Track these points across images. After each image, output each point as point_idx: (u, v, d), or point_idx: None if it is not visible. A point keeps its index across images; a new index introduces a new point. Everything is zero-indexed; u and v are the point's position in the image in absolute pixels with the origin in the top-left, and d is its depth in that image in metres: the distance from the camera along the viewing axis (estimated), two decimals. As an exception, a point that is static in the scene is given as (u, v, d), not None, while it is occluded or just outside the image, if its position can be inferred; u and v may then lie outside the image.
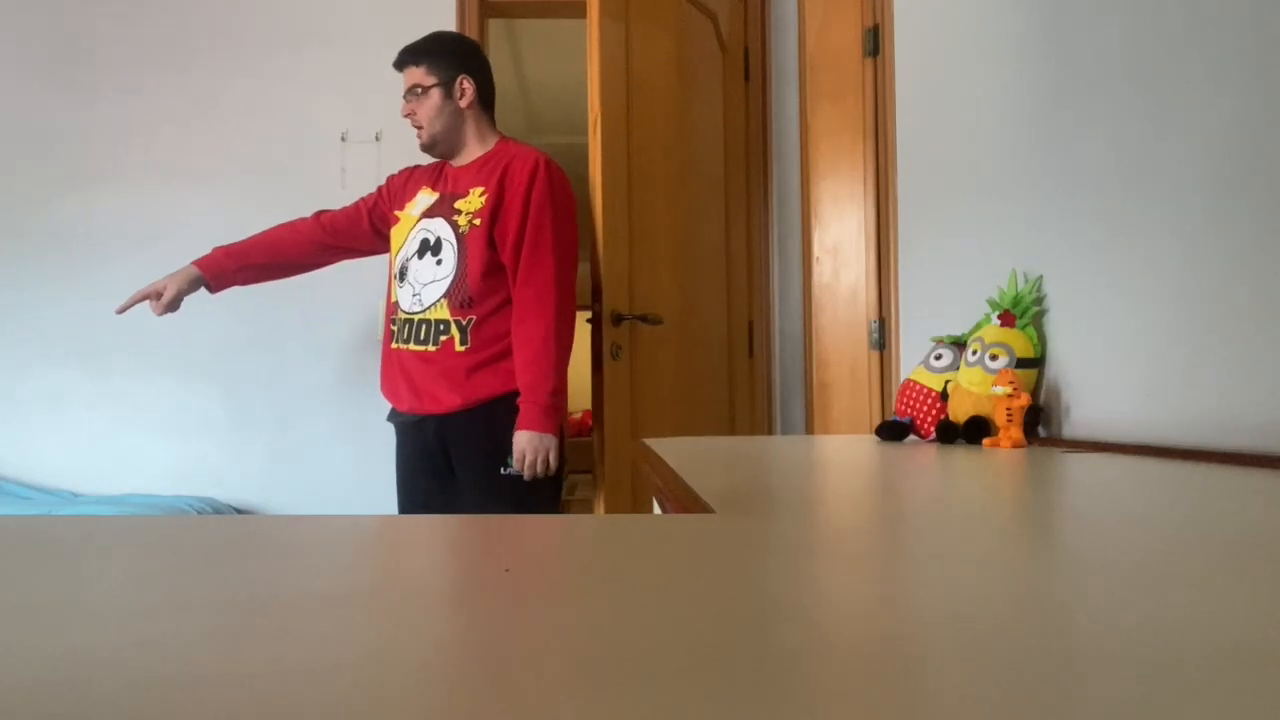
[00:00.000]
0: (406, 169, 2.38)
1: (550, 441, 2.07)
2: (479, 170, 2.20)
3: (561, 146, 5.94)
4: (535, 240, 2.11)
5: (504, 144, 2.24)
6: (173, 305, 2.29)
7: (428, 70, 2.21)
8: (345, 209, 2.39)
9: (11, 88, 3.12)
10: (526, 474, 2.07)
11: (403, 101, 2.24)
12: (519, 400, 2.09)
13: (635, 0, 2.57)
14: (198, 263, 2.32)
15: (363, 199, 2.40)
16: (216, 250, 2.35)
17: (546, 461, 2.08)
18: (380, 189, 2.39)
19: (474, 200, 2.15)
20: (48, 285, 3.08)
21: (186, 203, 3.08)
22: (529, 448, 2.06)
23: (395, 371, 2.22)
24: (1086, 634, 0.29)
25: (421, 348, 2.15)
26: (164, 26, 3.12)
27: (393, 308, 2.24)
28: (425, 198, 2.24)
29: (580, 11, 2.54)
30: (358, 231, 2.36)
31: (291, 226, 2.38)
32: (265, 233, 2.38)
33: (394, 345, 2.22)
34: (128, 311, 2.34)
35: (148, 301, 2.29)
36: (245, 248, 2.35)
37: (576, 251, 2.20)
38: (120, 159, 3.10)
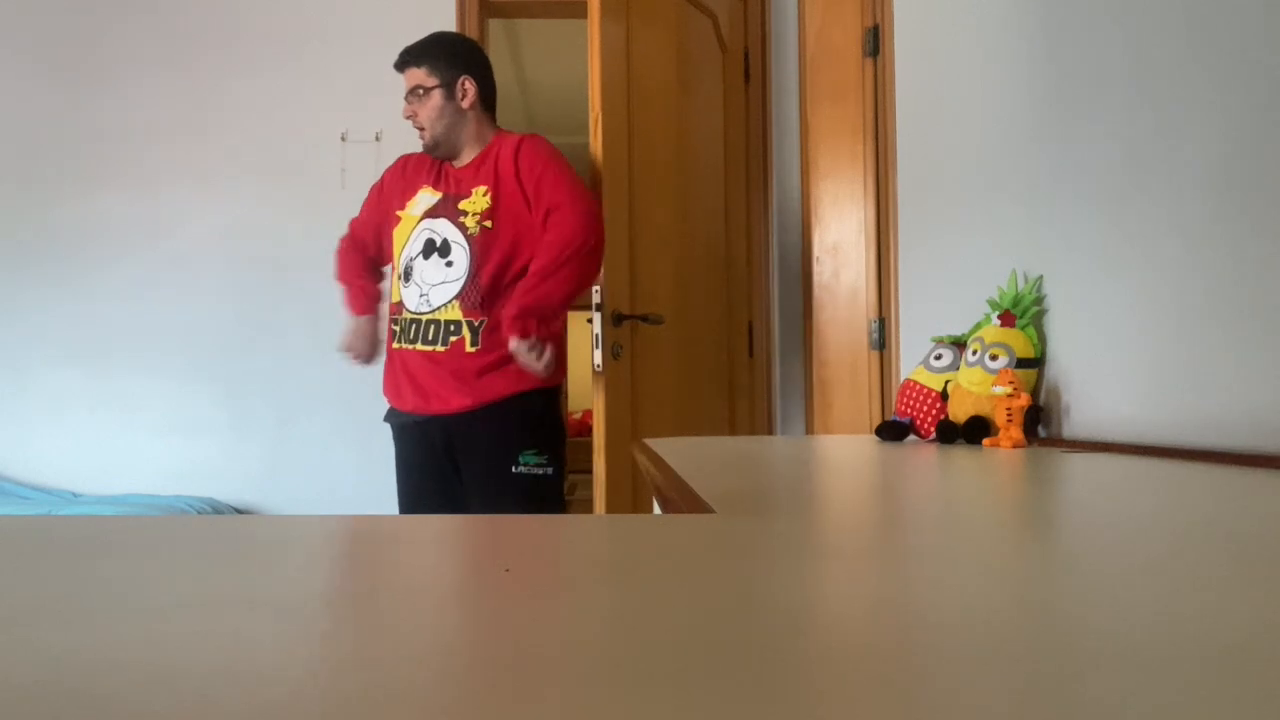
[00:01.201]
0: (400, 160, 2.34)
1: (538, 342, 2.08)
2: (478, 169, 2.20)
3: (562, 146, 5.92)
4: (537, 191, 2.12)
5: (497, 138, 2.24)
6: (376, 355, 2.29)
7: (429, 71, 2.20)
8: (356, 227, 2.36)
9: (12, 88, 3.12)
10: (532, 366, 2.08)
11: (404, 103, 2.23)
12: (509, 314, 2.08)
13: (635, 0, 2.57)
14: (356, 310, 2.29)
15: (357, 222, 2.36)
16: (355, 295, 2.30)
17: (543, 350, 2.09)
18: (377, 187, 2.36)
19: (478, 201, 2.15)
20: (48, 286, 3.08)
21: (186, 203, 3.08)
22: (521, 351, 2.06)
23: (398, 371, 2.21)
24: (1087, 634, 0.29)
25: (430, 348, 2.15)
26: (164, 27, 3.12)
27: (396, 308, 2.23)
28: (427, 197, 2.23)
29: (580, 11, 2.53)
30: (373, 236, 2.34)
31: (348, 251, 2.35)
32: (351, 260, 2.34)
33: (395, 345, 2.21)
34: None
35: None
36: (356, 278, 2.32)
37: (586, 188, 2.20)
38: (120, 159, 3.10)
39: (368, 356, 2.27)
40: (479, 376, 2.12)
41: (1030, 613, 0.32)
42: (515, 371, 2.12)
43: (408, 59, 2.23)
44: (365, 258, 2.34)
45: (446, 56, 2.23)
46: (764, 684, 0.23)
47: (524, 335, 2.06)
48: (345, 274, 2.33)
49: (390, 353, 2.24)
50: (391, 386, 2.24)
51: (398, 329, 2.21)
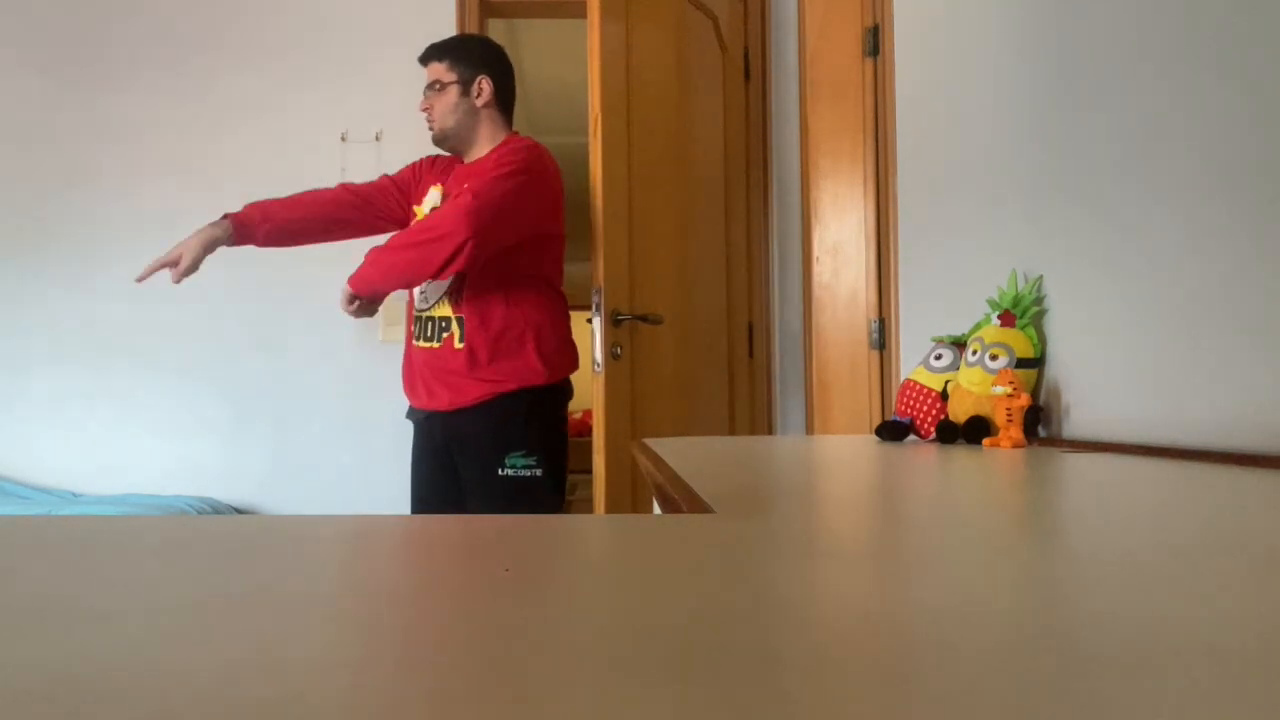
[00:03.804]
0: (428, 158, 2.36)
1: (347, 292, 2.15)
2: (477, 168, 2.22)
3: (561, 146, 5.92)
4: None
5: (506, 140, 2.25)
6: (190, 271, 2.16)
7: (449, 67, 2.24)
8: (372, 183, 2.35)
9: (12, 87, 3.12)
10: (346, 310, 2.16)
11: (422, 96, 2.26)
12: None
13: (635, 0, 2.57)
14: (229, 214, 2.22)
15: (388, 176, 2.35)
16: (248, 205, 2.25)
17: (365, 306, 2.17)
18: (404, 172, 2.36)
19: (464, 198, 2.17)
20: (48, 285, 3.08)
21: (186, 203, 3.08)
22: (343, 303, 2.15)
23: (411, 368, 2.26)
24: (1088, 635, 0.29)
25: (429, 344, 2.20)
26: (164, 26, 3.12)
27: (411, 304, 2.28)
28: (434, 195, 2.28)
29: (580, 11, 2.53)
30: (387, 201, 2.32)
31: (317, 191, 2.32)
32: (293, 195, 2.31)
33: (413, 343, 2.26)
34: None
35: (166, 271, 2.16)
36: (271, 203, 2.26)
37: (519, 206, 2.12)
38: (120, 159, 3.10)
39: (174, 265, 2.14)
40: (467, 374, 2.13)
41: (1029, 613, 0.32)
42: (504, 370, 2.13)
43: (431, 53, 2.26)
44: (321, 200, 2.29)
45: (468, 54, 2.26)
46: (764, 684, 0.23)
47: (354, 294, 2.14)
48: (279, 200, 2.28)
49: (408, 349, 2.29)
50: (407, 383, 2.29)
51: (414, 327, 2.26)
